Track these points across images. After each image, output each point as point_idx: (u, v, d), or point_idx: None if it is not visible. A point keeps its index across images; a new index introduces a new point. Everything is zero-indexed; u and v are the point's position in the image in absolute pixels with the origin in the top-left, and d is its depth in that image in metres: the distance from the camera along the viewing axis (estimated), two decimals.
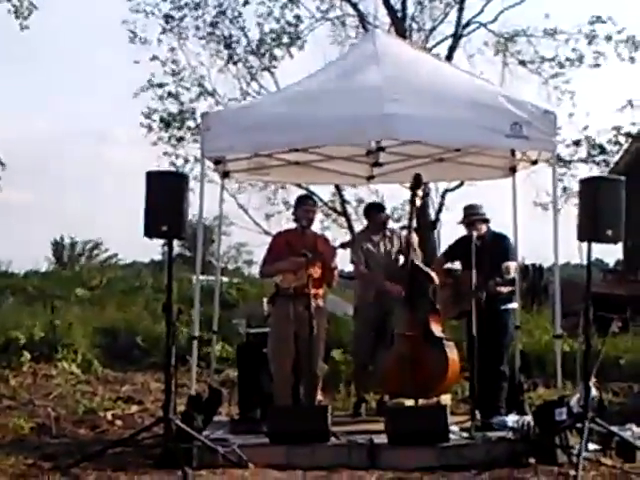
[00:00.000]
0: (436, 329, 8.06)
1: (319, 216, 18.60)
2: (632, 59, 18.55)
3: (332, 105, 7.59)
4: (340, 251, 8.26)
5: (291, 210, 8.57)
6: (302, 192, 12.40)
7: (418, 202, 8.15)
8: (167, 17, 19.45)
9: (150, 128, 19.38)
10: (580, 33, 18.60)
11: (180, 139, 19.39)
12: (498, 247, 8.22)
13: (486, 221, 8.35)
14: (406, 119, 7.37)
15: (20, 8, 17.76)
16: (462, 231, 8.42)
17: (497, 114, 7.47)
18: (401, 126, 7.39)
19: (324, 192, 19.55)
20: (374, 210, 9.10)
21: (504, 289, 8.10)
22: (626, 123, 19.05)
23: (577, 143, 18.66)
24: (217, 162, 8.59)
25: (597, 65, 18.70)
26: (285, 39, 19.17)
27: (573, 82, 18.85)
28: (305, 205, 8.32)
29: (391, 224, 9.13)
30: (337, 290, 14.76)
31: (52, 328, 13.93)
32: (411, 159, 9.20)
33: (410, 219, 8.39)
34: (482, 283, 7.82)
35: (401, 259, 8.58)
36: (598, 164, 18.92)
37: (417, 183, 8.12)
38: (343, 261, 8.79)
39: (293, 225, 8.35)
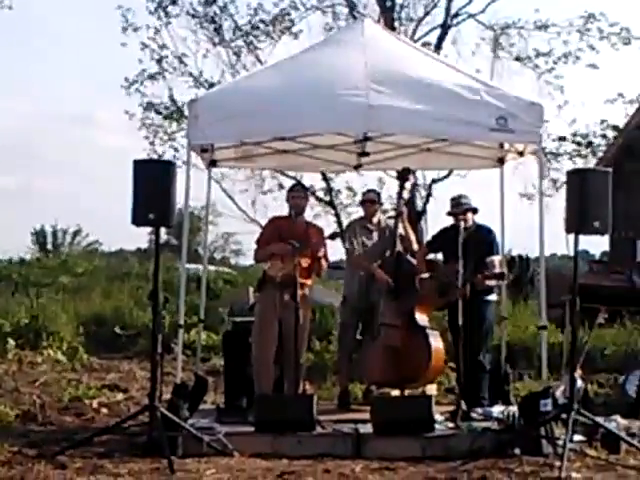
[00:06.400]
0: (421, 318, 8.05)
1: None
2: (627, 42, 18.42)
3: (318, 95, 7.57)
4: (329, 242, 8.28)
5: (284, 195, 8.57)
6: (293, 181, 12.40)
7: (406, 195, 8.20)
8: None
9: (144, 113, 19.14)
10: (572, 26, 18.54)
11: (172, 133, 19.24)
12: (482, 240, 8.20)
13: (474, 210, 8.33)
14: (391, 111, 7.39)
15: None
16: (450, 221, 8.40)
17: (483, 108, 7.48)
18: (386, 118, 7.41)
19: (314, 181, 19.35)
20: (367, 200, 8.99)
21: (492, 282, 8.08)
22: (614, 116, 19.07)
23: (563, 139, 18.64)
24: (204, 150, 8.53)
25: (594, 65, 18.64)
26: (278, 26, 18.98)
27: (566, 74, 18.76)
28: (293, 192, 8.35)
29: (379, 216, 9.00)
30: (322, 279, 14.74)
31: (37, 315, 13.89)
32: (398, 148, 9.20)
33: (397, 209, 8.39)
34: (468, 276, 7.81)
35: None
36: (585, 156, 18.89)
37: (405, 176, 8.14)
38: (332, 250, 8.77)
39: (285, 212, 8.34)
